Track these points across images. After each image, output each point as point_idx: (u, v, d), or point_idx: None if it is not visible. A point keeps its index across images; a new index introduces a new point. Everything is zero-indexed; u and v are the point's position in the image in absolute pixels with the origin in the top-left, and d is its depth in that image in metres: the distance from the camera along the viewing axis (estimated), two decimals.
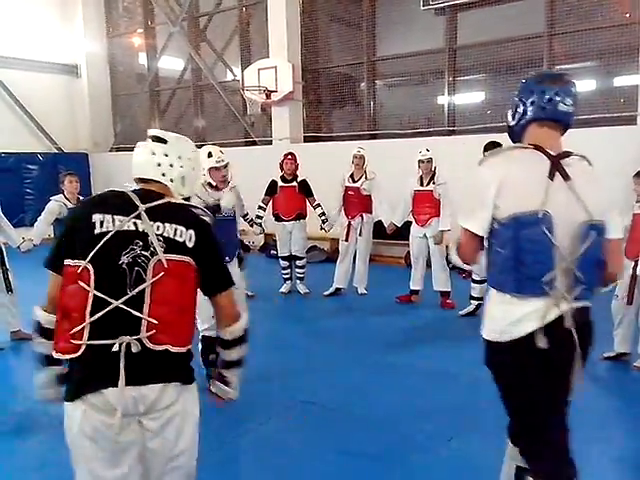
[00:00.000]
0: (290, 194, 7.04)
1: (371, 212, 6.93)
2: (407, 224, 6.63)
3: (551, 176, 1.97)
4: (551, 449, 2.10)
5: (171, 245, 1.83)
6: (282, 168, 7.06)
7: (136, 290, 1.76)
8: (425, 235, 6.41)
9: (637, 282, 4.35)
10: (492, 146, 5.53)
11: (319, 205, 7.14)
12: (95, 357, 1.75)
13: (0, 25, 12.07)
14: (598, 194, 2.00)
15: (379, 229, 7.10)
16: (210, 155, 4.14)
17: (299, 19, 10.42)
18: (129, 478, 1.81)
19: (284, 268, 7.37)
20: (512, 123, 2.15)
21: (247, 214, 7.63)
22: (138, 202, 1.86)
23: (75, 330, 1.73)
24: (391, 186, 6.77)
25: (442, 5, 8.80)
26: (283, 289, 7.34)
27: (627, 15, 7.74)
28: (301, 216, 7.10)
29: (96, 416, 1.75)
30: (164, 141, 1.99)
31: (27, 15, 12.50)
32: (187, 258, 1.84)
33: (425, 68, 9.54)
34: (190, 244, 1.86)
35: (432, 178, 6.29)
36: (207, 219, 2.03)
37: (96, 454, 1.78)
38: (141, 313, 1.76)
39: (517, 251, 1.95)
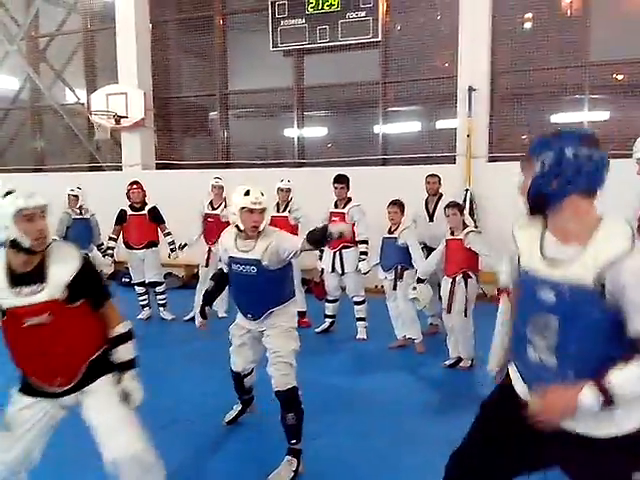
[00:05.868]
0: (140, 223, 7.07)
1: None
2: None
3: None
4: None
5: None
6: (129, 197, 7.09)
7: None
8: None
9: (454, 295, 5.16)
10: (340, 178, 6.28)
11: (169, 233, 7.19)
12: None
13: None
14: None
15: None
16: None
17: (150, 47, 10.49)
18: None
19: (140, 294, 7.34)
20: (546, 190, 1.67)
21: (102, 244, 7.53)
22: None
23: None
24: None
25: (289, 48, 9.54)
26: (142, 315, 7.31)
27: (446, 65, 8.96)
28: (152, 244, 7.16)
29: None
30: None
31: None
32: None
33: (276, 102, 10.10)
34: None
35: (287, 206, 6.77)
36: None
37: None
38: None
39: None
